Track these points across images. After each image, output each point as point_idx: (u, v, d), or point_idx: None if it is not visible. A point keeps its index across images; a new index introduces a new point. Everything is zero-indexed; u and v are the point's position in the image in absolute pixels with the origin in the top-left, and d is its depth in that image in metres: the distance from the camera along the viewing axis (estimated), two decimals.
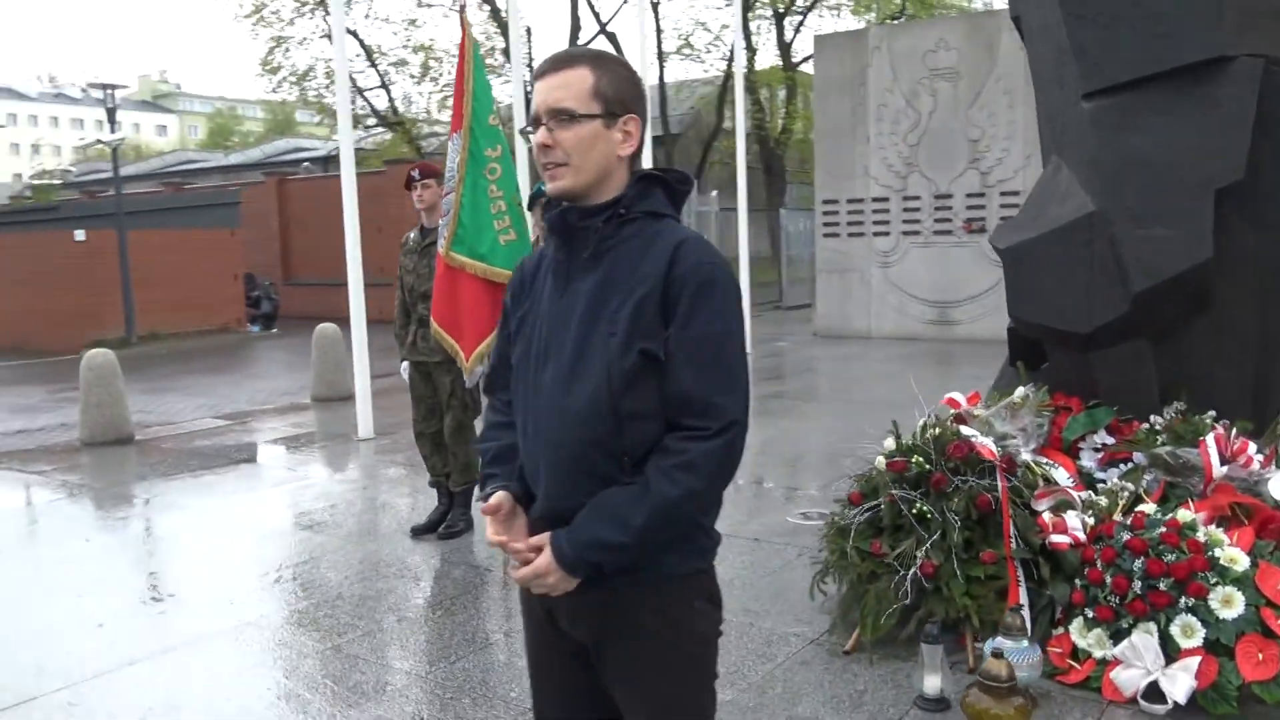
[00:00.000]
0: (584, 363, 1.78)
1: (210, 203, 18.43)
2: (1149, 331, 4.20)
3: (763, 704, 3.53)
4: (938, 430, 4.23)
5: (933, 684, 3.43)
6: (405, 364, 5.63)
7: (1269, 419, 4.02)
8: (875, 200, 14.41)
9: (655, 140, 29.37)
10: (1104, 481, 4.07)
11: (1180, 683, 3.29)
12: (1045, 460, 4.22)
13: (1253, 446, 3.80)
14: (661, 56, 30.44)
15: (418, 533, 5.57)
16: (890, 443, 4.30)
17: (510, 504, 1.85)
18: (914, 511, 4.01)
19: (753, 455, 7.59)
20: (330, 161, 30.99)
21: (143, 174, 38.15)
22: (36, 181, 38.05)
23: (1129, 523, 3.63)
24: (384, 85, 26.59)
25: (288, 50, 26.54)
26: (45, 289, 16.38)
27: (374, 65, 26.32)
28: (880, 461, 4.21)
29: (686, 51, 31.54)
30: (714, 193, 20.70)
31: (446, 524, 5.54)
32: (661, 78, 30.77)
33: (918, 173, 14.11)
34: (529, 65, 16.91)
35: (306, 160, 32.91)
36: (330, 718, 3.53)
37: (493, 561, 5.06)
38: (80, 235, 16.11)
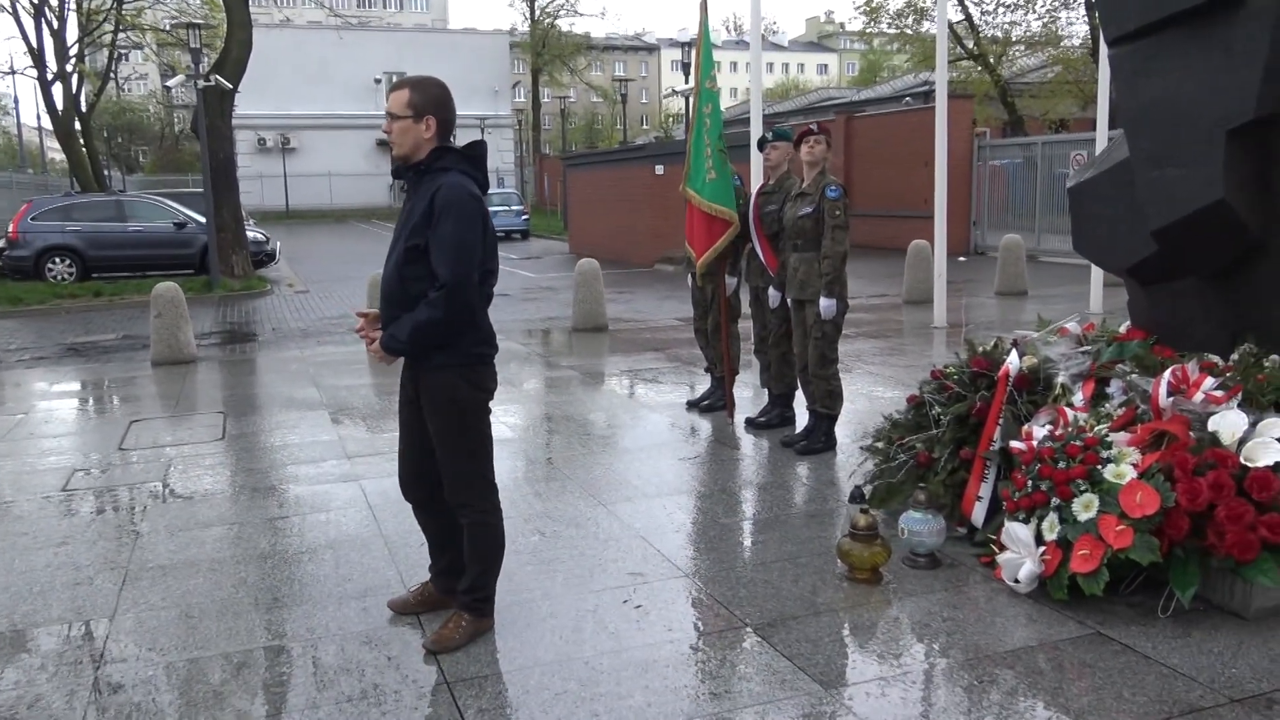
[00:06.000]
0: (394, 250, 3.42)
1: None
2: (1198, 271, 4.31)
3: (735, 522, 4.80)
4: (981, 350, 4.84)
5: None
6: (690, 276, 7.23)
7: None
8: None
9: None
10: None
11: (1028, 569, 3.83)
12: (1077, 385, 4.59)
13: (1210, 382, 3.91)
14: None
15: (691, 405, 7.24)
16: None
17: (376, 315, 3.54)
18: (932, 414, 4.75)
19: None
20: (929, 96, 32.05)
21: (789, 110, 41.90)
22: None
23: (1054, 435, 4.06)
24: (968, 20, 26.92)
25: None
26: (633, 213, 20.36)
27: (961, 2, 26.81)
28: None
29: None
30: None
31: (708, 402, 7.13)
32: None
33: None
34: None
35: (908, 96, 34.29)
36: None
37: (724, 431, 6.58)
38: (659, 169, 19.68)
